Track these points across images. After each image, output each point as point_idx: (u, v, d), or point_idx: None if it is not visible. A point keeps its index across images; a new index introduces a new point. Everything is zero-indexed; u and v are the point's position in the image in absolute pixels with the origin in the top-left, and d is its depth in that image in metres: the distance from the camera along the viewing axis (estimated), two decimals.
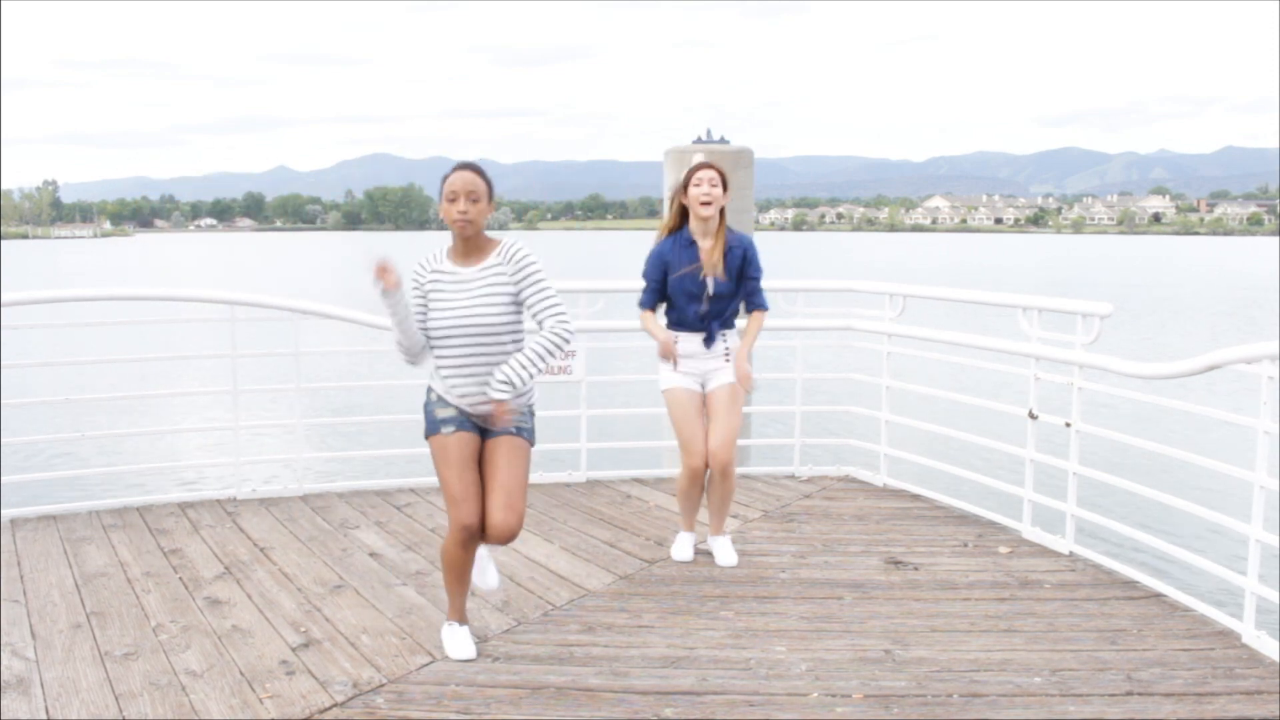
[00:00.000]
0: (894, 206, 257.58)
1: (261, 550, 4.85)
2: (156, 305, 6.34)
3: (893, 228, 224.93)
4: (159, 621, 3.98)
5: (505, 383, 3.52)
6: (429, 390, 3.73)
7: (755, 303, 4.68)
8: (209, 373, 13.70)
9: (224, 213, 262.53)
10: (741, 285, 4.59)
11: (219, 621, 3.99)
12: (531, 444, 3.71)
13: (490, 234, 3.67)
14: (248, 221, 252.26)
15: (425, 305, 3.65)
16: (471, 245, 3.62)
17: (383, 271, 3.46)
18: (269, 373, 7.82)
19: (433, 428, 3.68)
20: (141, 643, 3.78)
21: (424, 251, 3.68)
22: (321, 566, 4.63)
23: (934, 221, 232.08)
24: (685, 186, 4.52)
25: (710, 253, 4.51)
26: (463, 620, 3.77)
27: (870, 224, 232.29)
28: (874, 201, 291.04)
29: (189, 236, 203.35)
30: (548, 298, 3.56)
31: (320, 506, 5.58)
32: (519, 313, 3.62)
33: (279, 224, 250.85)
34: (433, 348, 3.66)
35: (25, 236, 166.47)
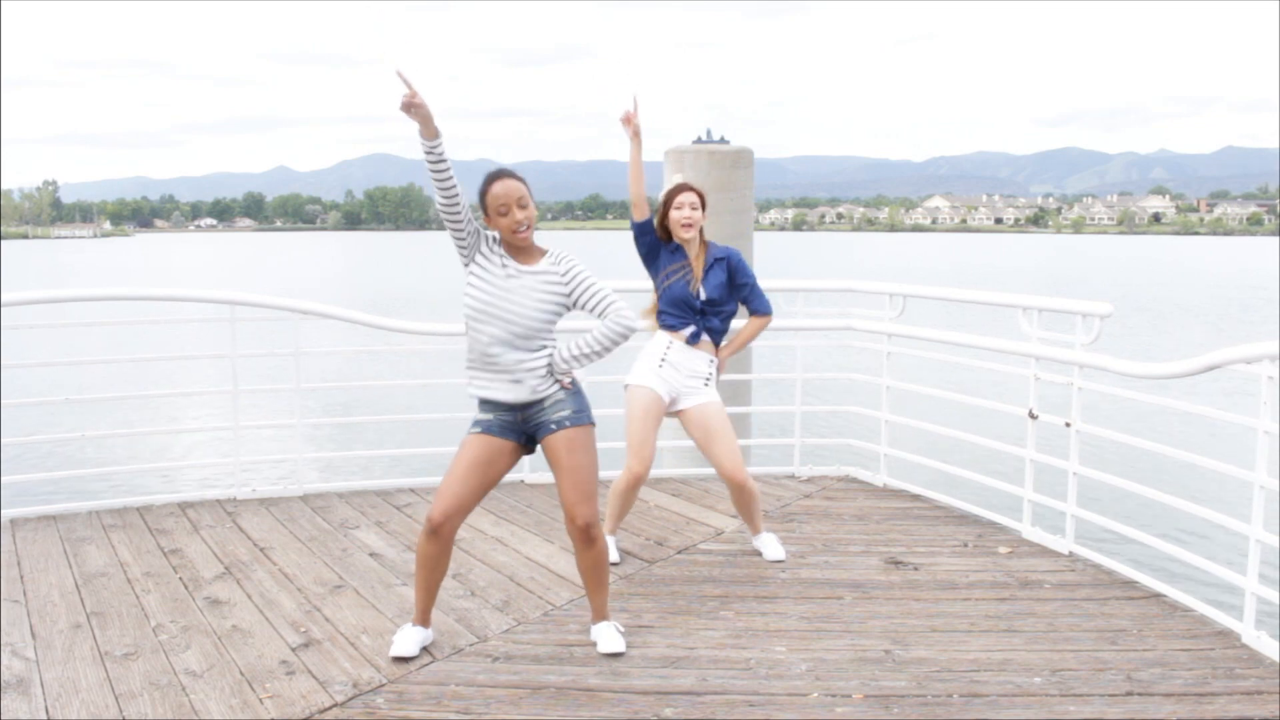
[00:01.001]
0: (894, 206, 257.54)
1: (261, 550, 4.85)
2: (156, 305, 6.33)
3: (893, 228, 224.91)
4: (159, 621, 3.98)
5: (565, 363, 3.60)
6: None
7: (755, 308, 4.73)
8: (209, 373, 13.72)
9: (224, 213, 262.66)
10: (734, 293, 4.64)
11: (219, 621, 3.99)
12: (584, 424, 3.69)
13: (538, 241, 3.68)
14: (248, 221, 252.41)
15: (471, 241, 3.59)
16: (525, 251, 3.63)
17: (410, 106, 3.39)
18: (269, 373, 7.83)
19: (471, 425, 3.72)
20: (141, 643, 3.78)
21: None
22: (321, 566, 4.63)
23: (934, 221, 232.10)
24: (666, 208, 4.58)
25: (695, 262, 4.58)
26: (421, 624, 3.76)
27: (870, 224, 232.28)
28: (874, 201, 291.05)
29: (189, 236, 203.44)
30: (604, 295, 3.58)
31: (320, 506, 5.58)
32: (556, 320, 3.63)
33: (279, 224, 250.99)
34: (467, 329, 3.63)
35: (25, 236, 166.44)
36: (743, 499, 4.73)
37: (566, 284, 3.60)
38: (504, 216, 3.54)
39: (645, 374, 4.60)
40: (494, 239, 3.66)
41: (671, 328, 4.60)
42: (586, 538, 3.67)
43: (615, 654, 3.69)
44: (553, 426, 3.65)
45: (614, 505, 4.74)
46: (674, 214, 4.55)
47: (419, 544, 3.71)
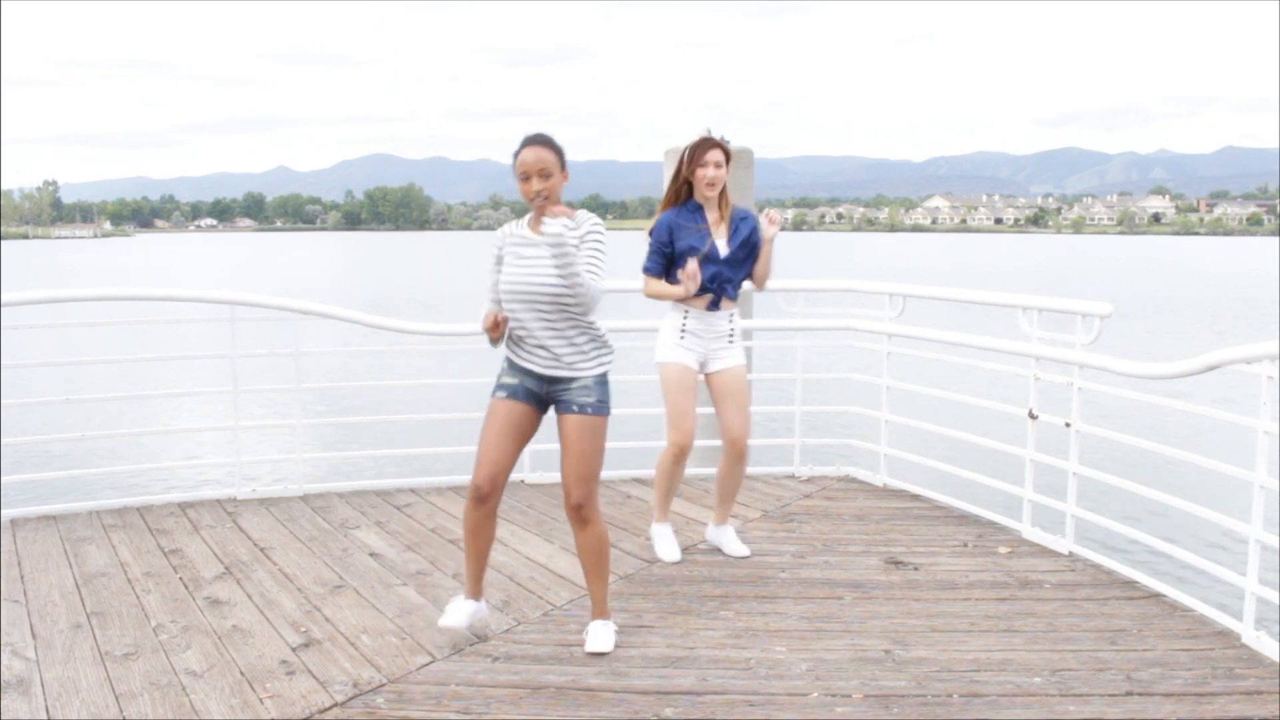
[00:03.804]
0: (894, 206, 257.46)
1: (261, 550, 4.85)
2: (156, 305, 6.34)
3: (893, 228, 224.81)
4: (159, 621, 3.98)
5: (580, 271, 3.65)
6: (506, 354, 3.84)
7: None
8: (209, 373, 13.69)
9: (224, 213, 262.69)
10: (752, 253, 4.61)
11: (219, 621, 3.99)
12: (602, 415, 3.72)
13: (569, 205, 3.71)
14: (248, 221, 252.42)
15: (499, 269, 3.77)
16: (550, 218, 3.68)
17: (494, 328, 3.64)
18: (269, 373, 7.82)
19: (494, 389, 3.80)
20: (142, 643, 3.78)
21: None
22: (321, 566, 4.63)
23: (934, 221, 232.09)
24: (692, 162, 4.54)
25: (717, 223, 4.58)
26: (472, 596, 3.82)
27: (870, 224, 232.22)
28: (874, 201, 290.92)
29: (189, 236, 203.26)
30: (593, 257, 3.61)
31: (320, 506, 5.58)
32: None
33: (279, 224, 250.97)
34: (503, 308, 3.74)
35: (25, 237, 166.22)
36: (732, 471, 4.70)
37: (579, 242, 3.62)
38: (524, 183, 3.63)
39: (671, 349, 4.61)
40: (516, 221, 3.83)
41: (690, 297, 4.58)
42: (579, 517, 3.73)
43: (600, 653, 3.68)
44: (574, 408, 3.69)
45: (660, 485, 4.71)
46: (700, 171, 4.53)
47: (465, 513, 3.77)
